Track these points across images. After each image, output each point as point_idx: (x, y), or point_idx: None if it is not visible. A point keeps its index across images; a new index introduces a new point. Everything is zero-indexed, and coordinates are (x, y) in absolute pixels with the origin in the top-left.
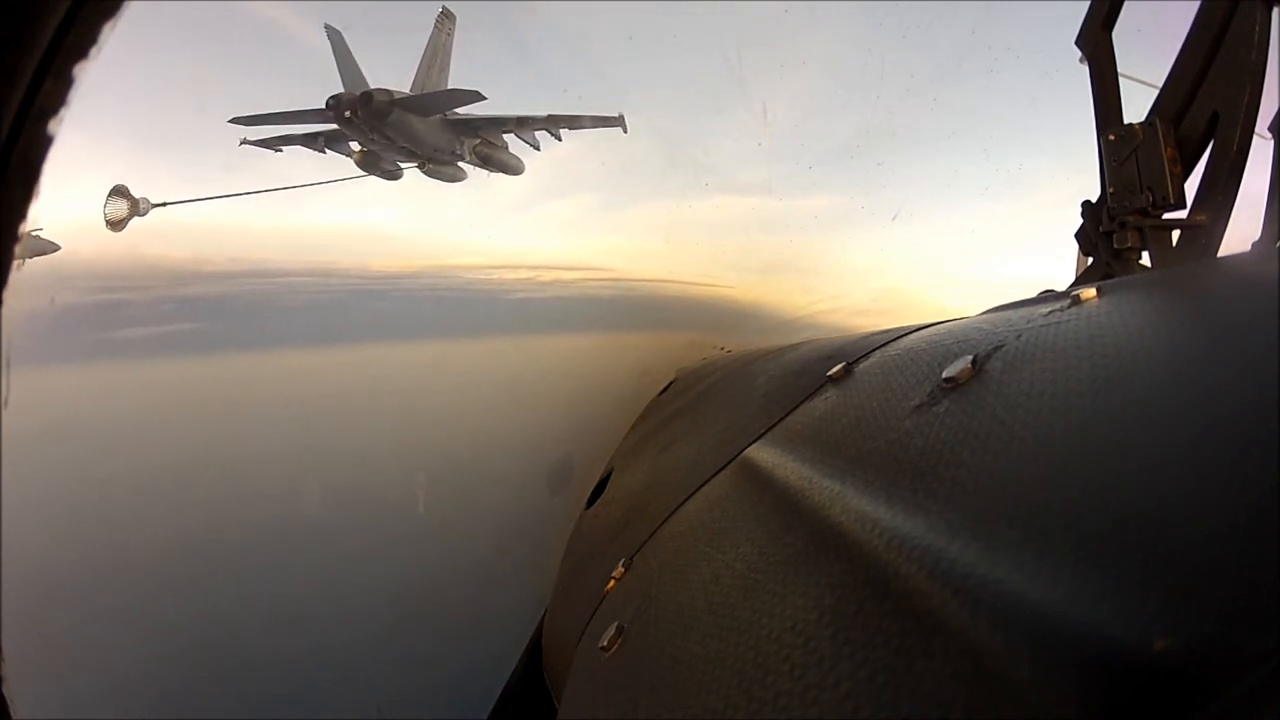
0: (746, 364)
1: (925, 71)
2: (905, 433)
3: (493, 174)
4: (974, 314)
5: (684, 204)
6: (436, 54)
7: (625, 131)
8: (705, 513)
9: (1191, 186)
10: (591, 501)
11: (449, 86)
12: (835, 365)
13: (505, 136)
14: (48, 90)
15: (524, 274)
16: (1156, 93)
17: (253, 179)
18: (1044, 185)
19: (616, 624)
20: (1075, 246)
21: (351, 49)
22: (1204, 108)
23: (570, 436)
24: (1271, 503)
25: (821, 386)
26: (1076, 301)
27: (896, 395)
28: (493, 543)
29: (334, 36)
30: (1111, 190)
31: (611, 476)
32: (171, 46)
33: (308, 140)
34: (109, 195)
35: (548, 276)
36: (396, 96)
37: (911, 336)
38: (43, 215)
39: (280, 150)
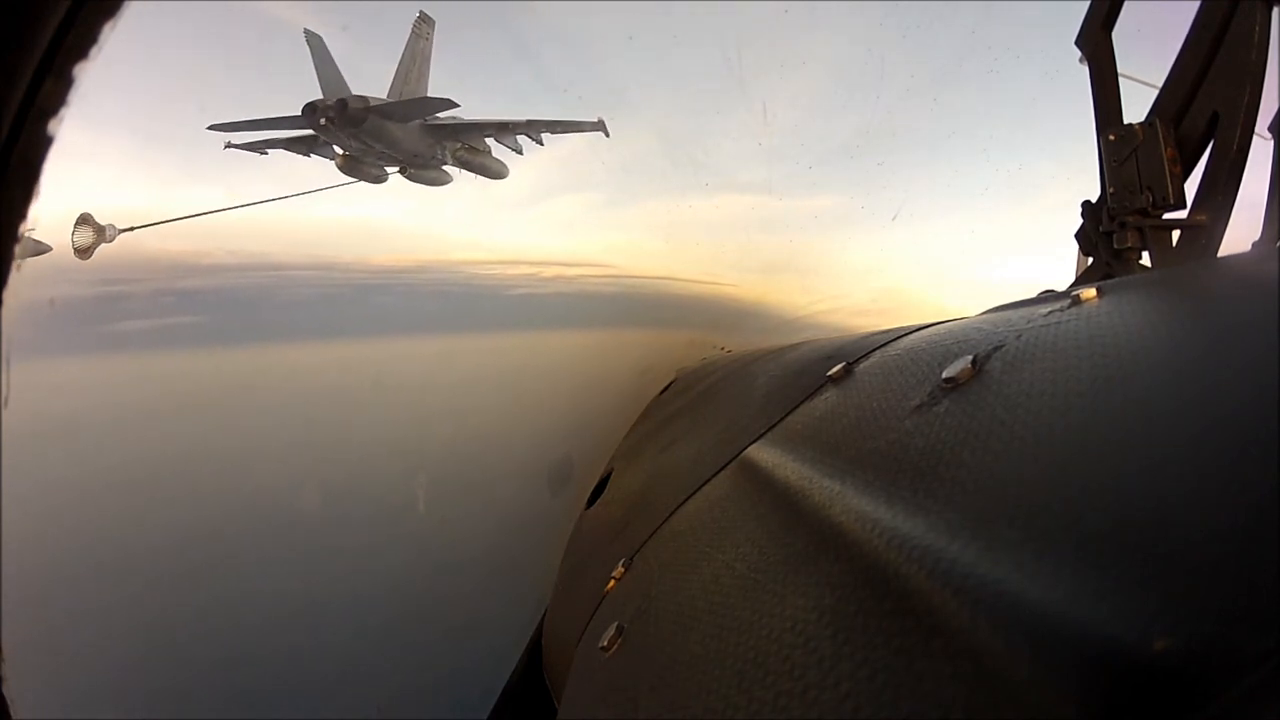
0: (746, 364)
1: (925, 71)
2: (905, 433)
3: (479, 178)
4: (974, 314)
5: (684, 203)
6: (415, 59)
7: (607, 135)
8: (705, 513)
9: (1191, 186)
10: (591, 501)
11: (429, 90)
12: (835, 365)
13: (489, 140)
14: (48, 90)
15: (526, 270)
16: (1156, 93)
17: (247, 180)
18: (1044, 185)
19: (616, 624)
20: (1075, 246)
21: (351, 51)
22: (1204, 108)
23: (570, 436)
24: (1271, 503)
25: (821, 386)
26: (1076, 301)
27: (896, 395)
28: (493, 542)
29: (314, 41)
30: (1111, 190)
31: (611, 476)
32: (172, 45)
33: (292, 144)
34: (75, 224)
35: (549, 273)
36: (372, 103)
37: (911, 336)
38: (41, 213)
39: (266, 153)
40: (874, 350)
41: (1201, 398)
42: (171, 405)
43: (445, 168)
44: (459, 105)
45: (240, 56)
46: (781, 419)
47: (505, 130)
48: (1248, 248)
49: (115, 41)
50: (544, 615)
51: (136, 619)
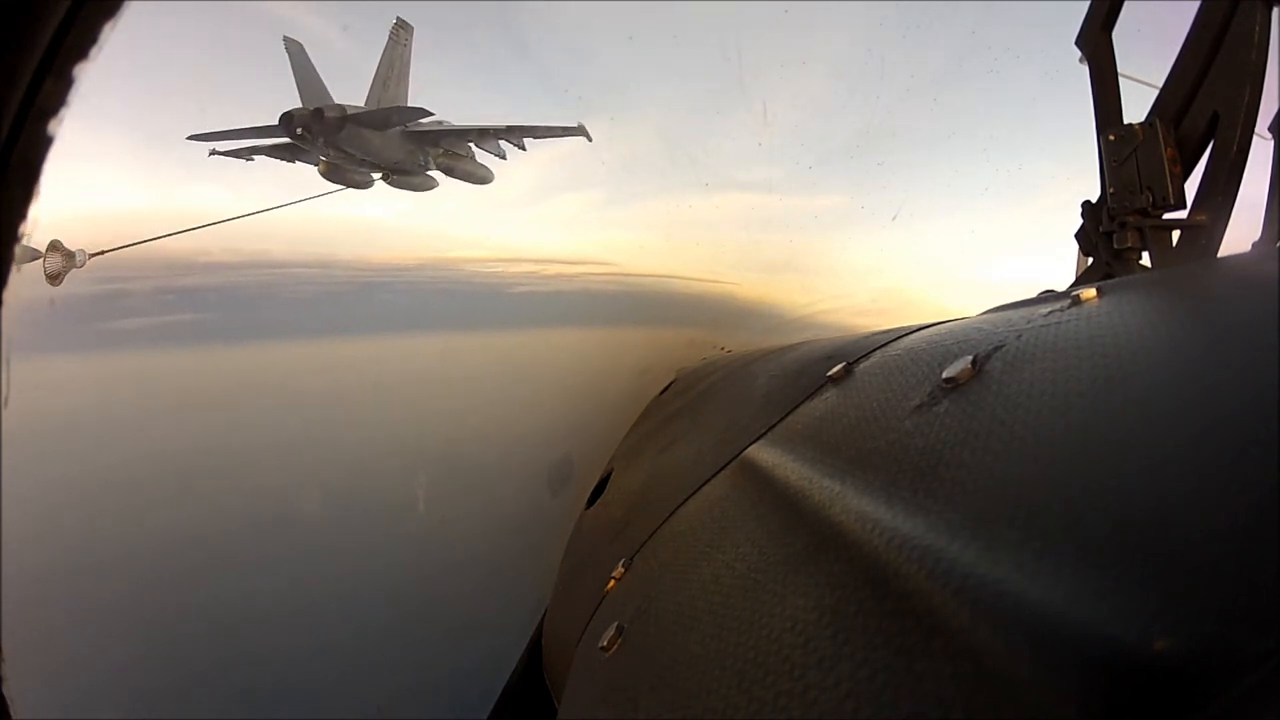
0: (746, 364)
1: (925, 71)
2: (905, 433)
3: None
4: (974, 314)
5: (685, 202)
6: (393, 66)
7: (589, 140)
8: (705, 513)
9: (1191, 186)
10: (591, 501)
11: (410, 96)
12: (835, 365)
13: (473, 146)
14: (48, 90)
15: (527, 268)
16: (1156, 93)
17: (243, 180)
18: (1044, 185)
19: (616, 624)
20: (1075, 246)
21: (351, 52)
22: (1204, 108)
23: (570, 436)
24: (1271, 503)
25: (821, 386)
26: (1076, 301)
27: (897, 395)
28: (493, 542)
29: (293, 49)
30: (1111, 190)
31: (611, 476)
32: (170, 46)
33: (275, 151)
34: (45, 251)
35: (550, 271)
36: (349, 112)
37: (911, 336)
38: (42, 211)
39: (252, 159)
40: (874, 350)
41: (1201, 398)
42: (172, 403)
43: (430, 173)
44: (433, 114)
45: (240, 56)
46: (781, 419)
47: (486, 136)
48: (1248, 248)
49: (115, 41)
50: (544, 615)
51: (136, 619)
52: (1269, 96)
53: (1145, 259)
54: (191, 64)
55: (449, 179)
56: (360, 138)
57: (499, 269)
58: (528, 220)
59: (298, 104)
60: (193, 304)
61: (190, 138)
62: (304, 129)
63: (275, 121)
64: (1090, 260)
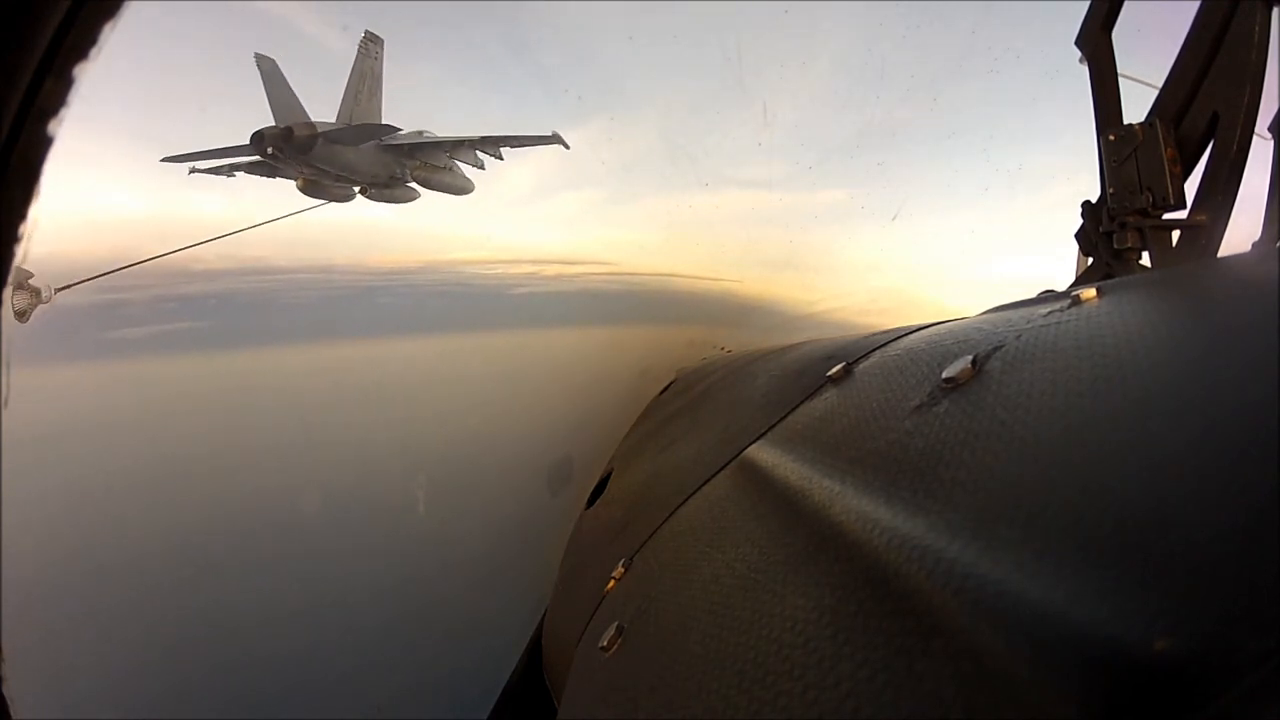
0: (746, 364)
1: (925, 71)
2: (905, 433)
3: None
4: (974, 314)
5: (685, 202)
6: (364, 79)
7: (568, 148)
8: (705, 513)
9: (1191, 186)
10: (591, 501)
11: (384, 108)
12: (835, 365)
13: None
14: (48, 90)
15: (527, 269)
16: (1156, 93)
17: (240, 187)
18: (1044, 185)
19: (616, 624)
20: (1075, 246)
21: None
22: (1204, 108)
23: (570, 436)
24: (1271, 503)
25: (821, 386)
26: (1076, 302)
27: (896, 395)
28: (493, 543)
29: (265, 66)
30: (1111, 190)
31: (611, 476)
32: (169, 48)
33: (254, 168)
34: (14, 289)
35: (550, 271)
36: (320, 129)
37: (911, 336)
38: (42, 214)
39: (233, 175)
40: (874, 350)
41: (1201, 398)
42: (174, 409)
43: (411, 184)
44: (401, 129)
45: (239, 58)
46: (781, 419)
47: (462, 147)
48: (1248, 248)
49: (115, 41)
50: (544, 615)
51: (137, 619)
52: (1269, 96)
53: (1145, 259)
54: (190, 67)
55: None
56: (333, 154)
57: (499, 270)
58: (528, 220)
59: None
60: (194, 312)
61: (165, 159)
62: (275, 148)
63: (236, 145)
64: (1090, 260)
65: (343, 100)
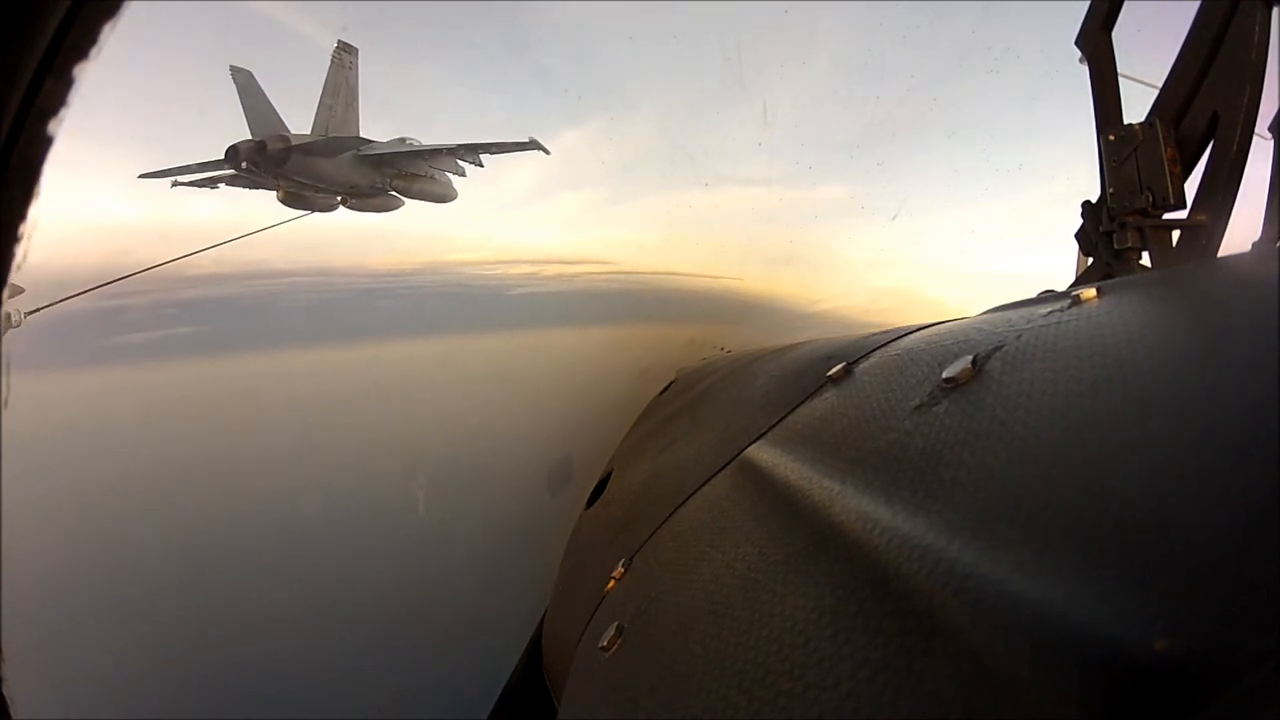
0: (746, 364)
1: (925, 71)
2: (905, 433)
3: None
4: (974, 314)
5: (685, 202)
6: (339, 90)
7: (547, 153)
8: (705, 513)
9: (1191, 186)
10: (591, 501)
11: (360, 118)
12: (835, 365)
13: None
14: (48, 90)
15: (526, 269)
16: (1156, 93)
17: (235, 193)
18: (1043, 185)
19: (616, 624)
20: (1075, 246)
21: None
22: (1204, 108)
23: (570, 436)
24: (1271, 503)
25: (821, 386)
26: (1076, 301)
27: (896, 395)
28: (493, 543)
29: (241, 78)
30: (1111, 190)
31: (611, 476)
32: (165, 51)
33: (235, 180)
34: None
35: (550, 271)
36: (294, 142)
37: (911, 336)
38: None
39: (216, 187)
40: (874, 350)
41: (1201, 398)
42: (175, 413)
43: (392, 193)
44: (370, 140)
45: (234, 62)
46: (781, 419)
47: (439, 156)
48: (1248, 248)
49: (115, 41)
50: (544, 615)
51: (137, 620)
52: (1269, 96)
53: (1145, 259)
54: (183, 72)
55: (474, 166)
56: (309, 166)
57: (498, 270)
58: (527, 220)
59: (291, 117)
60: (194, 317)
61: (142, 176)
62: (249, 162)
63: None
64: (1090, 260)
65: (317, 112)
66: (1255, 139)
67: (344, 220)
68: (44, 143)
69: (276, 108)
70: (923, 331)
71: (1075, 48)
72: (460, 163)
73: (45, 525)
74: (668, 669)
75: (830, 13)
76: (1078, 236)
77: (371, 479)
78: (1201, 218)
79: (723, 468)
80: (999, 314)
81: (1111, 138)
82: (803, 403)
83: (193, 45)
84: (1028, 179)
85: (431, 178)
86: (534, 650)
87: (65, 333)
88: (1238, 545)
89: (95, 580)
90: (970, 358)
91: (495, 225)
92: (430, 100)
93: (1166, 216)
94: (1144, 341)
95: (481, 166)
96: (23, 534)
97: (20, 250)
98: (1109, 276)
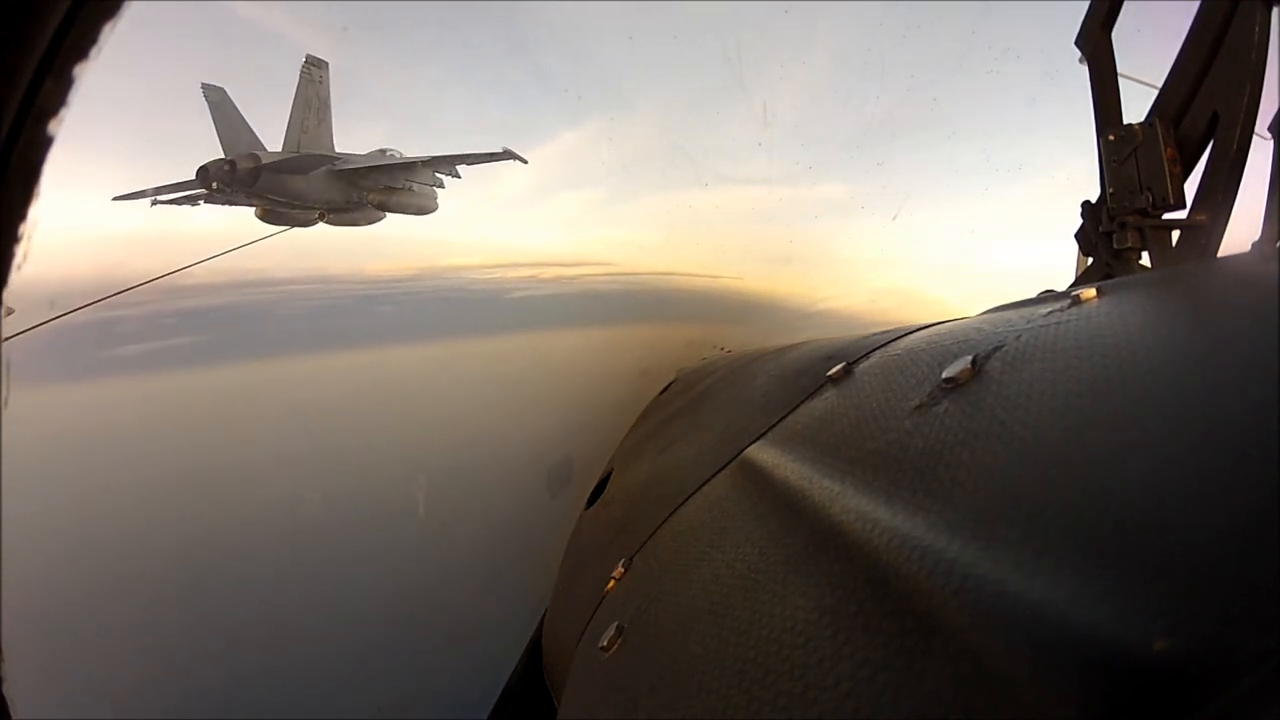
0: (746, 364)
1: (925, 71)
2: (905, 433)
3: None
4: (974, 314)
5: (684, 202)
6: (310, 105)
7: (525, 162)
8: (705, 513)
9: (1191, 186)
10: (591, 501)
11: (334, 133)
12: (835, 365)
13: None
14: (48, 90)
15: (525, 272)
16: (1156, 93)
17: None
18: (1043, 185)
19: (616, 624)
20: (1075, 247)
21: (354, 57)
22: (1204, 108)
23: (570, 436)
24: (1272, 503)
25: (821, 387)
26: (1076, 302)
27: (896, 395)
28: (493, 543)
29: (213, 96)
30: (1111, 190)
31: (611, 476)
32: (169, 50)
33: (212, 198)
34: None
35: (549, 274)
36: (265, 161)
37: (911, 337)
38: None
39: (198, 204)
40: (874, 350)
41: (1201, 398)
42: (177, 422)
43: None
44: (339, 157)
45: (231, 67)
46: (781, 419)
47: (414, 169)
48: (1248, 248)
49: (115, 41)
50: (544, 615)
51: (137, 620)
52: (1269, 96)
53: (1145, 259)
54: (176, 81)
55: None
56: (281, 184)
57: (497, 274)
58: (527, 222)
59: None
60: (192, 327)
61: (116, 199)
62: (219, 182)
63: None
64: (1090, 260)
65: (288, 128)
66: (1255, 139)
67: (340, 227)
68: (44, 143)
69: (251, 124)
70: (923, 331)
71: (1075, 48)
72: (437, 175)
73: (46, 528)
74: (668, 669)
75: (830, 12)
76: (1077, 236)
77: (372, 482)
78: (1201, 218)
79: (723, 468)
80: (999, 314)
81: (1111, 138)
82: (803, 403)
83: (181, 57)
84: (1028, 179)
85: (410, 190)
86: (534, 650)
87: (63, 346)
88: (1238, 545)
89: (96, 582)
90: (970, 358)
91: (494, 228)
92: (429, 100)
93: (1166, 216)
94: (1144, 341)
95: (459, 178)
96: (24, 537)
97: (20, 250)
98: (1109, 276)
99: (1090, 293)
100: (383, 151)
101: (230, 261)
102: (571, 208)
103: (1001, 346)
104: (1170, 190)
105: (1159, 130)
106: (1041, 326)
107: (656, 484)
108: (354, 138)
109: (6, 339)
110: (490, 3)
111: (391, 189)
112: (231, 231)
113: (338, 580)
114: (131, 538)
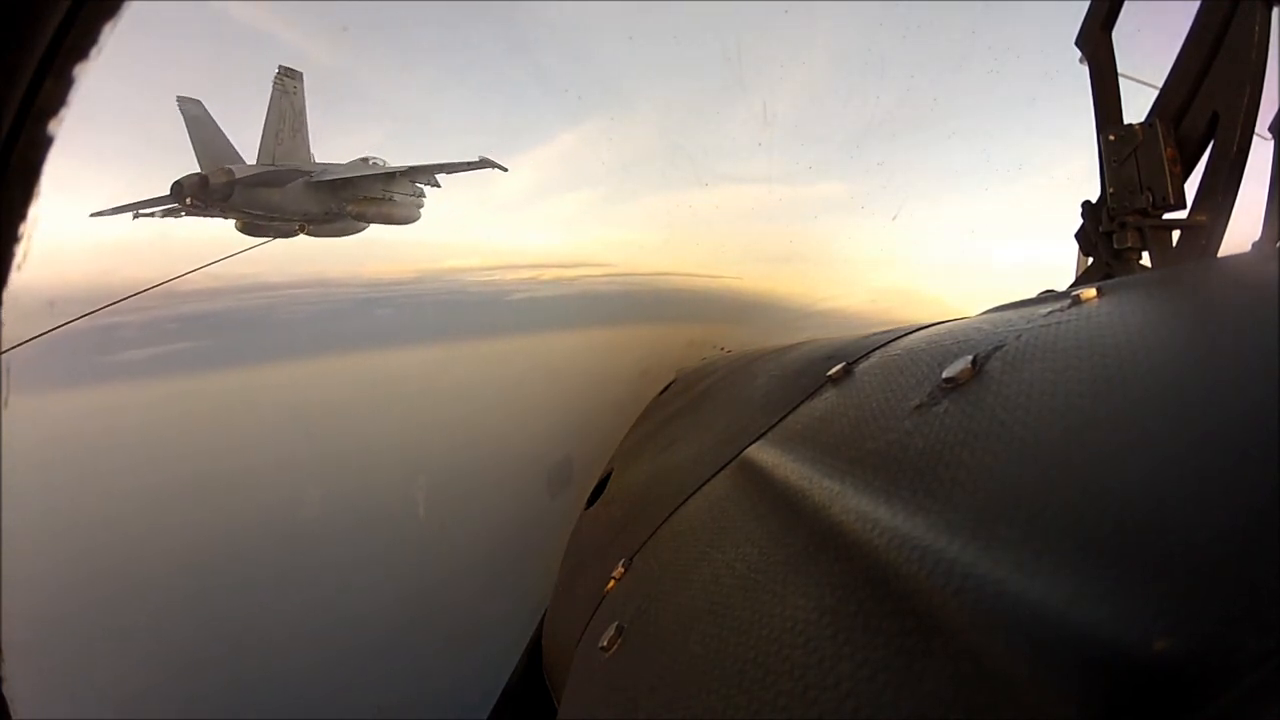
0: (746, 364)
1: (925, 71)
2: (905, 433)
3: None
4: (974, 314)
5: (684, 202)
6: (284, 117)
7: (504, 170)
8: (705, 513)
9: (1191, 187)
10: (591, 501)
11: (311, 147)
12: (835, 365)
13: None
14: (48, 90)
15: (524, 274)
16: (1156, 93)
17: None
18: (1043, 185)
19: (616, 624)
20: (1075, 246)
21: (354, 58)
22: (1204, 108)
23: (570, 437)
24: (1272, 503)
25: (821, 387)
26: (1076, 301)
27: (896, 395)
28: (493, 543)
29: (189, 109)
30: (1111, 190)
31: (611, 476)
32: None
33: (192, 211)
34: None
35: (548, 275)
36: (238, 175)
37: (911, 336)
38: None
39: (180, 216)
40: (874, 350)
41: (1202, 398)
42: (178, 427)
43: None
44: (310, 172)
45: (228, 72)
46: (781, 419)
47: (393, 179)
48: (1248, 248)
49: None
50: (544, 615)
51: (139, 621)
52: (1269, 96)
53: (1145, 259)
54: (167, 88)
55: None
56: (256, 197)
57: (496, 276)
58: (526, 224)
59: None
60: (191, 332)
61: (93, 215)
62: (193, 197)
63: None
64: (1090, 260)
65: (262, 141)
66: (1255, 139)
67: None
68: (44, 143)
69: (230, 137)
70: (923, 331)
71: (1075, 48)
72: (416, 184)
73: (49, 531)
74: (668, 669)
75: (830, 12)
76: (1077, 237)
77: (373, 484)
78: (1201, 218)
79: (723, 468)
80: (999, 314)
81: (1111, 138)
82: (803, 403)
83: (171, 64)
84: (1028, 179)
85: (390, 200)
86: (534, 650)
87: (62, 353)
88: (1238, 545)
89: (97, 583)
90: (970, 358)
91: (493, 229)
92: (429, 101)
93: (1166, 216)
94: (1144, 341)
95: (438, 187)
96: (26, 540)
97: (20, 250)
98: (1109, 276)
99: (1090, 293)
100: (365, 160)
101: (228, 266)
102: (571, 208)
103: (1001, 346)
104: (1170, 190)
105: (1159, 130)
106: (1041, 326)
107: (656, 484)
108: (353, 139)
109: (8, 350)
110: (490, 3)
111: (370, 199)
112: (228, 236)
113: (338, 582)
114: (133, 540)
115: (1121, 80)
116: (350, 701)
